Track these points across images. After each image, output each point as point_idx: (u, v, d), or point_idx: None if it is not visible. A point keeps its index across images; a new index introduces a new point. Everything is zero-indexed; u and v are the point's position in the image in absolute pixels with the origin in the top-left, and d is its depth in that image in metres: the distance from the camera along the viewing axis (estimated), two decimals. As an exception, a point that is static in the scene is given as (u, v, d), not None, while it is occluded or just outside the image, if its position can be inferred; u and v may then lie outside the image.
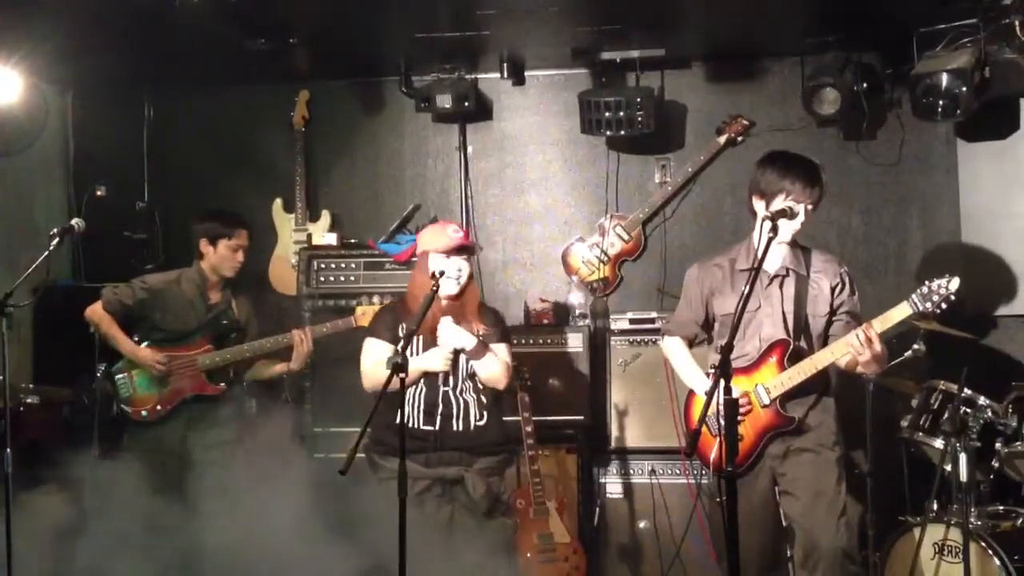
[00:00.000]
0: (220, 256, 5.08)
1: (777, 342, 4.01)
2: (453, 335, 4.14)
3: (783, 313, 4.05)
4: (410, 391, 4.14)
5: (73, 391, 5.42)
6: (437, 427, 4.17)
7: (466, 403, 4.21)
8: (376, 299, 5.30)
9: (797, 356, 3.97)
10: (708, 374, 4.17)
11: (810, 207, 4.00)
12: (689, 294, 4.30)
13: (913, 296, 3.77)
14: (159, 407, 4.97)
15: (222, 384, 5.05)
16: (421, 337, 4.19)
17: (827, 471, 3.97)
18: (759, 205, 4.05)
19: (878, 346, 3.79)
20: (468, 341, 4.15)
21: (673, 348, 4.32)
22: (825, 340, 4.05)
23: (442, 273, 4.09)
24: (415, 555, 3.70)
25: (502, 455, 4.33)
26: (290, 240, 6.16)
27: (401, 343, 3.89)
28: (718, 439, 4.05)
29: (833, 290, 4.07)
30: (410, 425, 4.12)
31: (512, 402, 5.04)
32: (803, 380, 3.93)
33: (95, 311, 4.98)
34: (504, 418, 4.47)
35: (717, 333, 4.21)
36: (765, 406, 3.98)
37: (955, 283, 3.69)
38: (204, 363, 5.00)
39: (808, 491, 3.96)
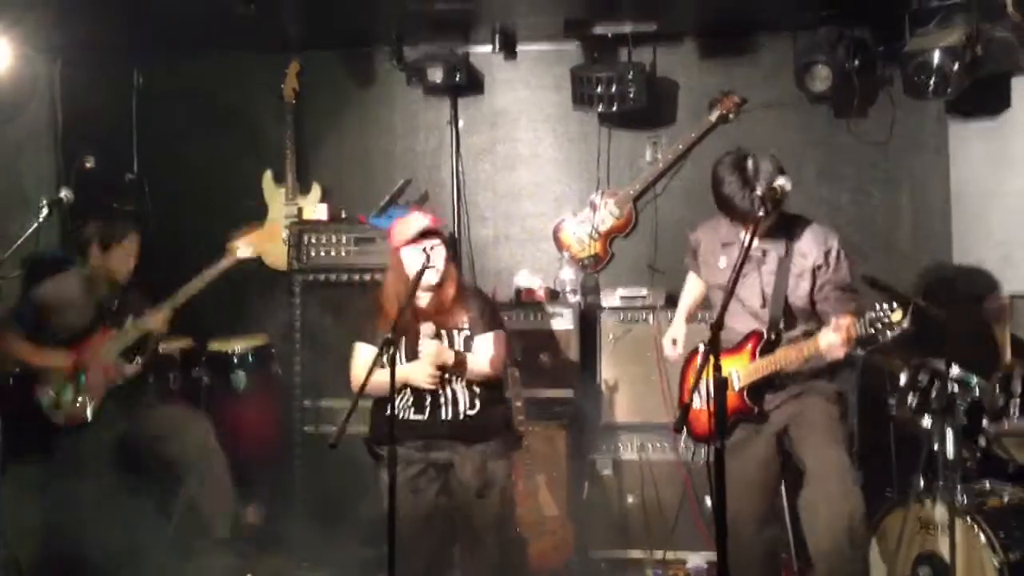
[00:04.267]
0: (114, 260, 5.08)
1: (752, 333, 4.10)
2: (433, 355, 4.09)
3: (761, 294, 4.11)
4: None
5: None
6: (427, 416, 4.17)
7: (454, 393, 4.19)
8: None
9: (769, 349, 4.05)
10: (697, 350, 4.35)
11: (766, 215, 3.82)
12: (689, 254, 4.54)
13: (861, 319, 3.73)
14: (88, 406, 4.95)
15: (135, 360, 5.06)
16: (404, 339, 4.15)
17: (831, 417, 4.09)
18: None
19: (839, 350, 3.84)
20: (448, 358, 4.11)
21: (686, 284, 4.62)
22: (817, 317, 4.07)
23: (432, 249, 4.08)
24: (409, 536, 3.80)
25: (497, 440, 4.26)
26: (280, 214, 6.14)
27: (380, 348, 3.78)
28: (702, 411, 4.21)
29: (816, 271, 4.06)
30: (401, 417, 4.12)
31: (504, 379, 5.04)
32: (767, 374, 4.03)
33: (15, 346, 4.94)
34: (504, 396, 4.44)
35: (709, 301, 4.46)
36: (734, 391, 4.08)
37: (898, 315, 3.65)
38: (111, 350, 5.01)
39: (814, 433, 4.06)
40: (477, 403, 4.21)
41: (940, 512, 4.21)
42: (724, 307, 3.38)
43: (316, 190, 6.18)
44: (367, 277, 5.52)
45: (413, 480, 4.13)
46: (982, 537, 4.09)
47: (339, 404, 5.40)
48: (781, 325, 4.08)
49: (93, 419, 4.97)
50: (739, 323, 4.15)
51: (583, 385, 5.58)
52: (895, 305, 3.66)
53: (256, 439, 5.67)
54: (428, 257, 4.02)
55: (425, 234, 4.17)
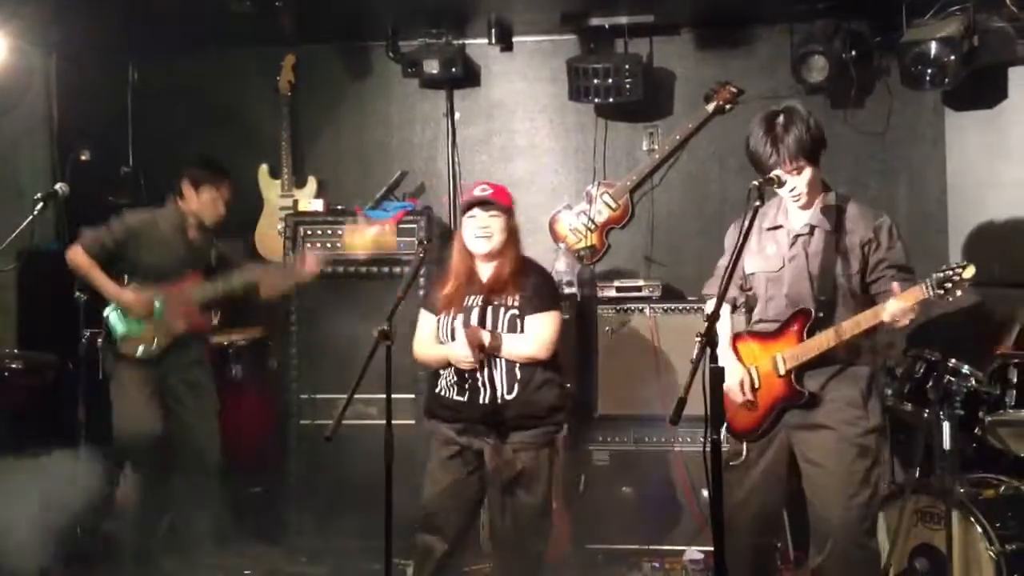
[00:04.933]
0: (202, 202, 5.10)
1: (799, 312, 3.88)
2: (468, 339, 3.96)
3: (808, 273, 3.88)
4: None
5: (58, 356, 5.39)
6: (466, 399, 4.05)
7: (491, 377, 4.03)
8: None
9: (818, 327, 3.82)
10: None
11: (794, 172, 3.78)
12: (726, 255, 4.13)
13: (928, 280, 3.58)
14: (155, 343, 4.96)
15: (216, 314, 5.14)
16: (453, 311, 4.06)
17: (842, 449, 3.80)
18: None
19: (907, 316, 3.66)
20: (484, 338, 3.97)
21: (721, 319, 4.08)
22: (868, 299, 3.84)
23: (429, 240, 4.07)
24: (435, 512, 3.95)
25: (537, 430, 4.07)
26: (276, 206, 6.14)
27: (390, 311, 3.77)
28: (734, 405, 4.00)
29: (865, 246, 3.84)
30: (443, 395, 4.09)
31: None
32: (820, 352, 3.80)
33: (76, 256, 4.94)
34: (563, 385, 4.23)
35: (750, 295, 4.11)
36: (780, 376, 3.87)
37: (970, 271, 3.52)
38: (196, 295, 5.02)
39: (821, 468, 3.83)
40: (516, 387, 4.02)
41: (937, 503, 4.21)
42: (721, 297, 3.33)
43: (312, 183, 6.18)
44: (363, 269, 5.51)
45: (450, 460, 4.07)
46: (978, 528, 4.09)
47: (335, 397, 5.39)
48: (829, 303, 3.86)
49: (159, 358, 4.98)
50: (777, 311, 3.95)
51: (579, 377, 5.57)
52: (963, 261, 3.56)
53: (252, 432, 5.67)
54: (423, 247, 3.99)
55: (482, 204, 4.05)
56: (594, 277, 5.93)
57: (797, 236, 3.93)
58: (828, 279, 3.86)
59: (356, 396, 3.65)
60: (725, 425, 4.01)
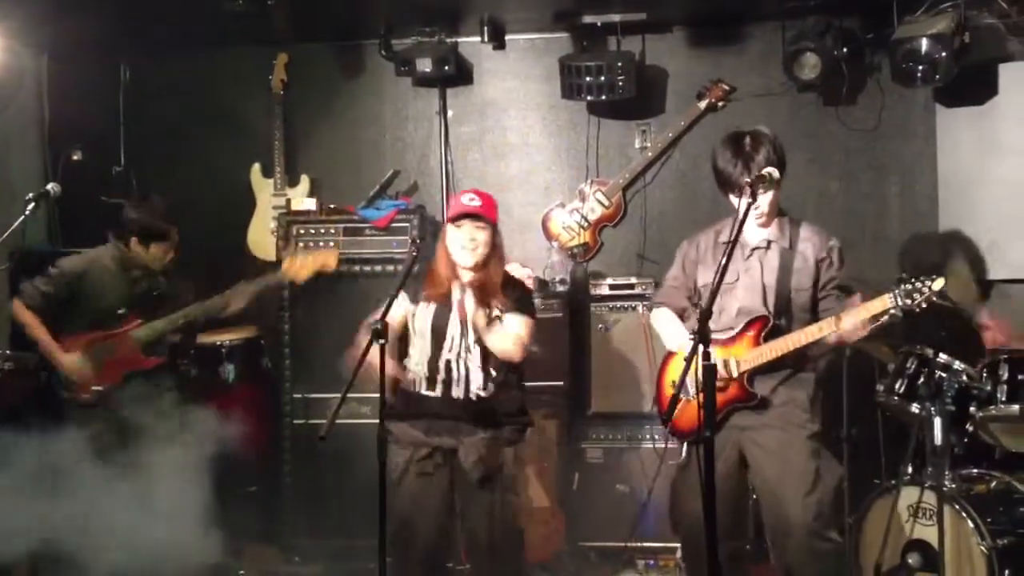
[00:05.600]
0: (152, 256, 4.97)
1: (757, 318, 3.99)
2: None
3: (762, 285, 4.01)
4: (417, 356, 4.11)
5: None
6: (439, 393, 4.08)
7: (468, 370, 4.07)
8: (300, 248, 5.29)
9: (775, 334, 3.95)
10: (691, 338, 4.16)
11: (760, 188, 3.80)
12: (677, 267, 4.29)
13: (896, 291, 3.68)
14: (98, 388, 4.90)
15: (161, 355, 5.01)
16: (434, 304, 4.10)
17: (794, 449, 3.93)
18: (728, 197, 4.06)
19: (856, 331, 3.81)
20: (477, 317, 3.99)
21: (662, 315, 4.30)
22: (815, 315, 3.98)
23: (422, 239, 4.08)
24: (413, 519, 3.91)
25: (507, 427, 4.14)
26: (269, 205, 6.13)
27: (383, 308, 3.81)
28: (683, 403, 4.08)
29: (819, 264, 4.01)
30: (414, 390, 4.09)
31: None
32: (774, 358, 3.92)
33: (19, 312, 4.89)
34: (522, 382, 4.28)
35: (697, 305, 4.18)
36: (732, 379, 3.98)
37: (939, 283, 3.62)
38: (138, 337, 4.93)
39: (773, 468, 3.94)
40: (491, 385, 4.09)
41: (928, 499, 4.22)
42: (713, 294, 3.35)
43: (305, 182, 6.17)
44: (356, 268, 5.52)
45: (420, 463, 4.08)
46: (970, 523, 4.11)
47: (329, 396, 5.39)
48: (781, 317, 4.00)
49: (101, 401, 4.90)
50: (727, 321, 4.06)
51: (573, 375, 5.59)
52: (934, 276, 3.64)
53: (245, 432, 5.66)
54: (416, 246, 4.00)
55: (471, 216, 4.06)
56: (587, 275, 5.95)
57: (754, 250, 4.05)
58: (782, 292, 4.00)
59: (350, 395, 3.64)
60: (669, 427, 4.19)
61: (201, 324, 5.16)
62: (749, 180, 3.70)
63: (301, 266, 4.97)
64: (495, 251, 4.12)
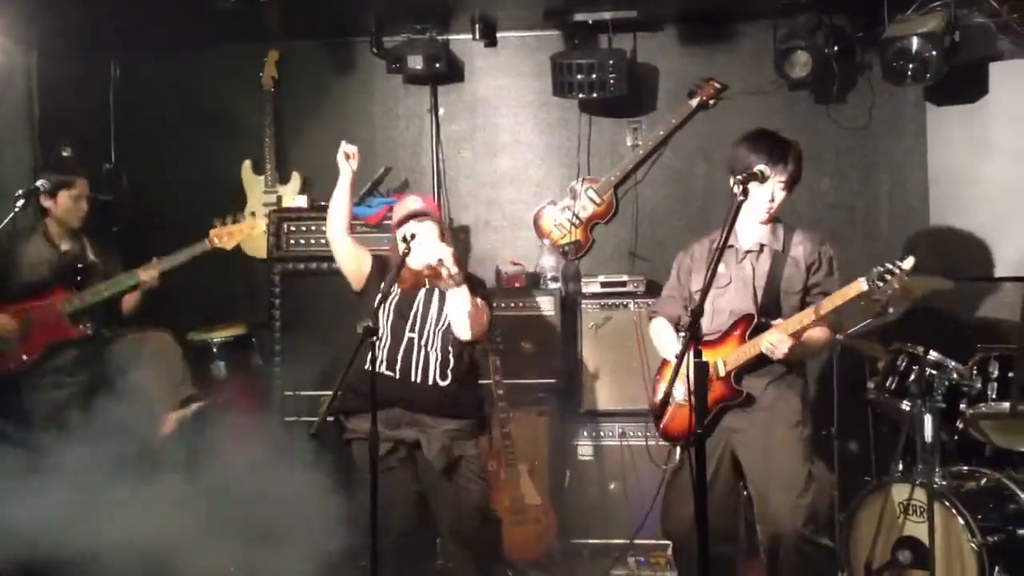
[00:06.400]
0: (63, 207, 5.12)
1: (743, 317, 4.03)
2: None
3: (754, 288, 4.05)
4: (381, 337, 4.19)
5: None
6: (398, 374, 4.17)
7: (427, 356, 4.19)
8: (229, 219, 5.34)
9: (760, 331, 3.97)
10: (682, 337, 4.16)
11: (780, 185, 3.98)
12: (672, 278, 4.35)
13: (869, 274, 3.70)
14: (25, 357, 5.02)
15: (87, 326, 5.12)
16: (398, 294, 4.21)
17: (786, 450, 3.96)
18: (733, 185, 4.02)
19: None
20: (446, 255, 4.10)
21: (657, 327, 4.37)
22: None
23: (413, 236, 4.09)
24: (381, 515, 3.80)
25: (467, 420, 4.27)
26: (260, 202, 6.11)
27: (375, 305, 3.86)
28: (672, 407, 4.15)
29: (809, 268, 4.05)
30: (377, 369, 4.11)
31: (485, 366, 5.05)
32: (758, 354, 3.93)
33: None
34: (479, 382, 4.43)
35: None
36: (719, 378, 4.01)
37: (909, 262, 3.64)
38: (63, 309, 5.06)
39: (765, 469, 3.97)
40: (449, 375, 4.21)
41: (919, 496, 4.23)
42: (704, 292, 3.36)
43: (296, 179, 6.16)
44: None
45: (384, 459, 4.10)
46: (960, 520, 4.12)
47: (320, 393, 5.39)
48: (772, 317, 4.01)
49: (31, 372, 5.03)
50: (719, 323, 4.08)
51: (564, 372, 5.59)
52: (904, 256, 3.66)
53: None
54: (408, 246, 4.02)
55: (416, 216, 4.21)
56: (578, 272, 5.95)
57: (747, 253, 4.08)
58: (773, 295, 4.03)
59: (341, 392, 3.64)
60: (661, 431, 4.25)
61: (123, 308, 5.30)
62: (741, 177, 3.68)
63: (228, 234, 5.22)
64: (441, 246, 4.20)
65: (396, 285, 4.21)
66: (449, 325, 4.22)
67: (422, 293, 4.25)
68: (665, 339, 4.31)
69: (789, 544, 3.91)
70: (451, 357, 4.23)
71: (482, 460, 4.45)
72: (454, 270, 4.07)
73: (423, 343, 4.21)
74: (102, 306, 5.18)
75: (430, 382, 4.19)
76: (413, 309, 4.25)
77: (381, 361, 4.18)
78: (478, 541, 4.23)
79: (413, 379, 4.18)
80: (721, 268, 4.06)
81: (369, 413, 3.81)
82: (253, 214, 5.92)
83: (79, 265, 5.17)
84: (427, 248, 4.12)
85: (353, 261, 4.42)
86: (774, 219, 4.11)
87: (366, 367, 4.01)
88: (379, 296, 3.90)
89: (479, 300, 4.23)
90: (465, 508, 4.19)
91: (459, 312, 4.16)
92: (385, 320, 4.22)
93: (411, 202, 4.34)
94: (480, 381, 4.45)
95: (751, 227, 4.09)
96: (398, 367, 4.18)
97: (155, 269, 5.13)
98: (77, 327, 5.10)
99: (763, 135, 4.09)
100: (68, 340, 5.08)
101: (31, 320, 5.03)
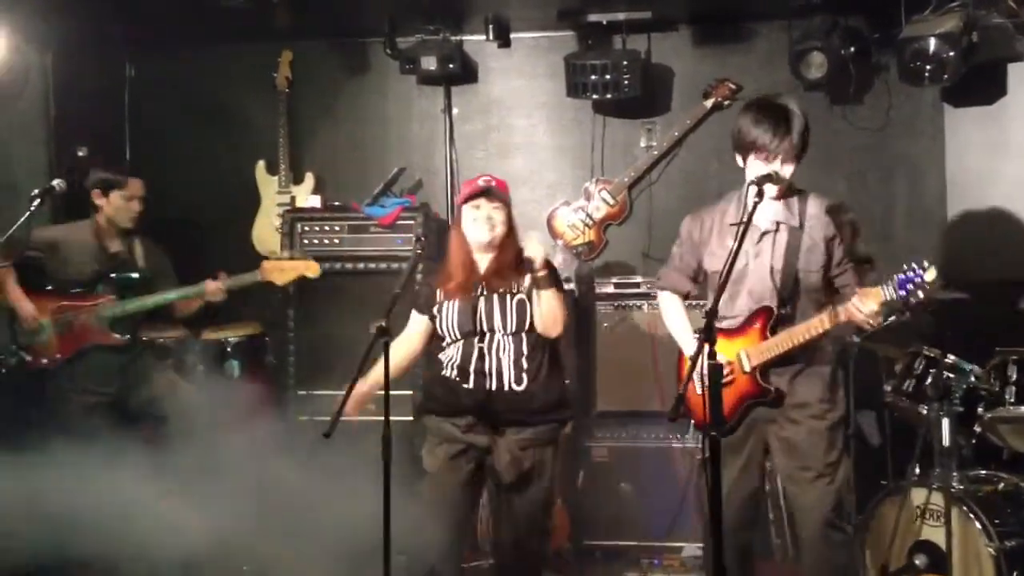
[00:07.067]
0: (115, 207, 5.12)
1: (761, 309, 3.90)
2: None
3: (771, 269, 3.90)
4: (449, 347, 4.07)
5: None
6: (472, 385, 4.00)
7: (499, 362, 4.00)
8: (285, 254, 5.39)
9: (781, 324, 3.86)
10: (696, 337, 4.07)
11: (786, 160, 3.81)
12: (680, 246, 4.18)
13: (888, 283, 3.62)
14: (58, 355, 5.01)
15: (126, 336, 5.11)
16: (457, 301, 4.04)
17: (813, 441, 3.87)
18: (739, 159, 3.97)
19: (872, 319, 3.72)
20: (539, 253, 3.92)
21: (666, 304, 4.24)
22: (829, 294, 3.91)
23: (427, 236, 4.07)
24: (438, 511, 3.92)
25: (544, 426, 4.05)
26: (273, 202, 6.12)
27: (387, 305, 3.73)
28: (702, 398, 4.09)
29: (829, 243, 3.89)
30: (447, 376, 4.05)
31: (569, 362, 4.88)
32: (784, 351, 3.83)
33: None
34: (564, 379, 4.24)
35: (708, 290, 4.12)
36: (745, 373, 3.91)
37: (931, 273, 3.54)
38: (105, 313, 5.04)
39: (793, 460, 3.90)
40: (524, 378, 4.00)
41: (936, 500, 4.20)
42: (722, 287, 3.33)
43: (309, 179, 6.17)
44: (360, 265, 5.51)
45: (454, 459, 4.03)
46: (977, 525, 4.09)
47: (333, 393, 5.37)
48: (790, 302, 3.90)
49: (59, 371, 5.02)
50: (740, 307, 3.97)
51: (578, 373, 5.57)
52: (926, 264, 3.55)
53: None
54: (420, 243, 3.99)
55: (485, 194, 4.04)
56: (592, 273, 5.93)
57: (764, 234, 3.92)
58: (791, 275, 3.88)
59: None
60: (692, 421, 4.13)
61: (175, 312, 5.30)
62: (756, 179, 3.65)
63: (281, 271, 5.13)
64: (512, 231, 4.09)
65: (445, 297, 4.07)
66: (517, 327, 4.02)
67: (481, 302, 4.03)
68: (676, 321, 4.18)
69: (815, 529, 3.87)
70: (524, 360, 4.02)
71: (557, 465, 4.19)
72: (541, 273, 3.93)
73: (493, 350, 4.01)
74: (145, 314, 5.18)
75: (507, 391, 3.99)
76: (476, 317, 4.03)
77: (453, 372, 4.05)
78: (531, 551, 4.11)
79: (489, 388, 4.00)
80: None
81: (446, 417, 3.91)
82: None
83: (127, 272, 5.15)
84: (530, 245, 3.95)
85: (425, 336, 4.23)
86: (786, 191, 3.96)
87: (443, 373, 4.04)
88: (392, 297, 3.80)
89: (547, 294, 3.99)
90: (528, 523, 4.05)
91: (550, 308, 3.98)
92: (451, 334, 4.04)
93: (480, 181, 4.08)
94: (564, 374, 4.23)
95: (765, 204, 3.87)
96: (471, 378, 4.00)
97: (223, 284, 5.10)
98: (115, 334, 5.08)
99: (765, 107, 3.91)
100: (103, 346, 5.06)
101: (70, 320, 5.02)
